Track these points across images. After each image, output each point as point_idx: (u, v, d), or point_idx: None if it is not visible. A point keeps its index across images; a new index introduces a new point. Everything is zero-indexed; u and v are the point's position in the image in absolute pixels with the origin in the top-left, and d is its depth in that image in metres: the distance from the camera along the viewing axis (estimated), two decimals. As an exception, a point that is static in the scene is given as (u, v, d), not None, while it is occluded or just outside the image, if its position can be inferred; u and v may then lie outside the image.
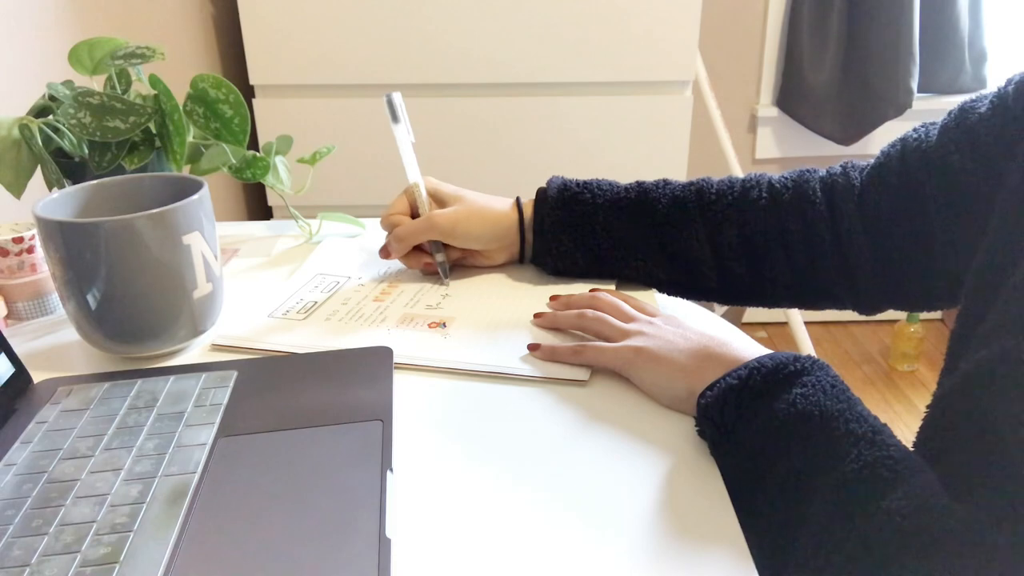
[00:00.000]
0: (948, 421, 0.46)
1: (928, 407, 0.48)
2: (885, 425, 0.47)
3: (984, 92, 0.61)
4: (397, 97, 0.74)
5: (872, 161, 0.69)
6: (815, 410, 0.48)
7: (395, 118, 0.74)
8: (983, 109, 0.60)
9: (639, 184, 0.73)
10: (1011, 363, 0.42)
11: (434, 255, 0.75)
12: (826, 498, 0.45)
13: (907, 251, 0.65)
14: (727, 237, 0.70)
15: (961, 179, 0.60)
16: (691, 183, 0.72)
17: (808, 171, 0.71)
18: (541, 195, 0.75)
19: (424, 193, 0.76)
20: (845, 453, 0.45)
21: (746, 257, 0.70)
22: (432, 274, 0.77)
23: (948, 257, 0.63)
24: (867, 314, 0.72)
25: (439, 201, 0.76)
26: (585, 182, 0.74)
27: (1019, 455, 0.40)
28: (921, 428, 0.48)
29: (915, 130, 0.66)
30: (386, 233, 0.77)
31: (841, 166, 0.71)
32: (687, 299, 0.75)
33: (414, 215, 0.77)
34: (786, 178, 0.71)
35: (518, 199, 0.76)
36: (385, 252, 0.76)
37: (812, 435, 0.47)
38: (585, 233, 0.72)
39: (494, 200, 0.76)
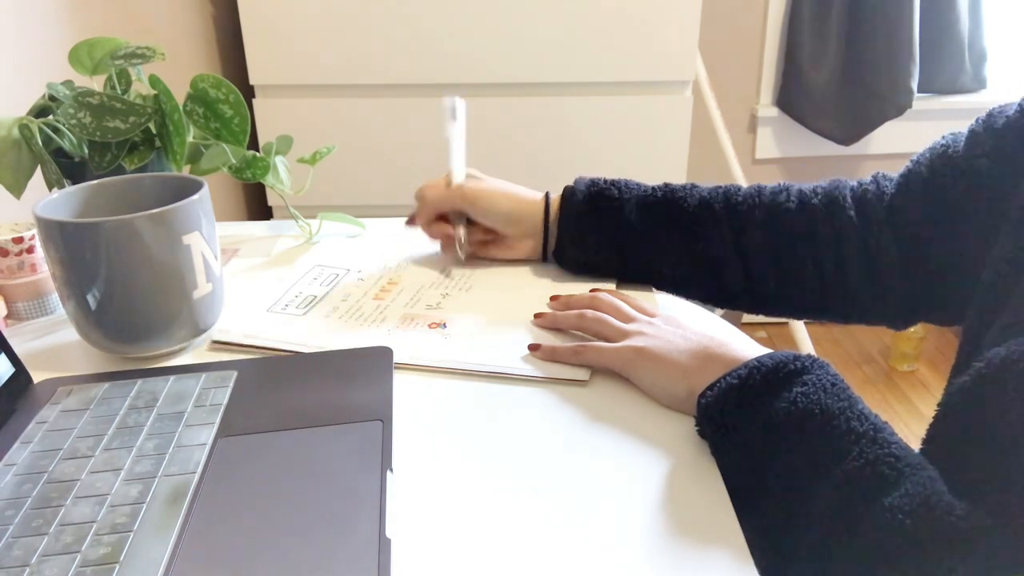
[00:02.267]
0: (958, 418, 0.46)
1: (939, 404, 0.48)
2: (886, 423, 0.47)
3: (1015, 100, 0.61)
4: (461, 102, 0.76)
5: (902, 170, 0.69)
6: (816, 408, 0.48)
7: (454, 117, 0.76)
8: (1011, 112, 0.60)
9: (666, 184, 0.73)
10: (1023, 361, 0.42)
11: (455, 226, 0.77)
12: (828, 496, 0.45)
13: (936, 260, 0.65)
14: (753, 238, 0.69)
15: (987, 184, 0.60)
16: (719, 187, 0.72)
17: (840, 181, 0.71)
18: (568, 190, 0.75)
19: (462, 179, 0.77)
20: (846, 451, 0.45)
21: (772, 259, 0.69)
22: (450, 248, 0.78)
23: (977, 266, 0.61)
24: (898, 328, 0.71)
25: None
26: (613, 180, 0.74)
27: None
28: (931, 425, 0.48)
29: (943, 137, 0.66)
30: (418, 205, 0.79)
31: (872, 176, 0.70)
32: (713, 304, 0.74)
33: None
34: (816, 186, 0.71)
35: (547, 193, 0.77)
36: (412, 219, 0.79)
37: (813, 433, 0.47)
38: (610, 227, 0.72)
39: (524, 189, 0.78)
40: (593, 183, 0.74)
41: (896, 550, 0.41)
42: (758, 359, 0.52)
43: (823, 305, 0.71)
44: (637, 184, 0.74)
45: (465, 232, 0.76)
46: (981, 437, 0.43)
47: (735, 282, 0.71)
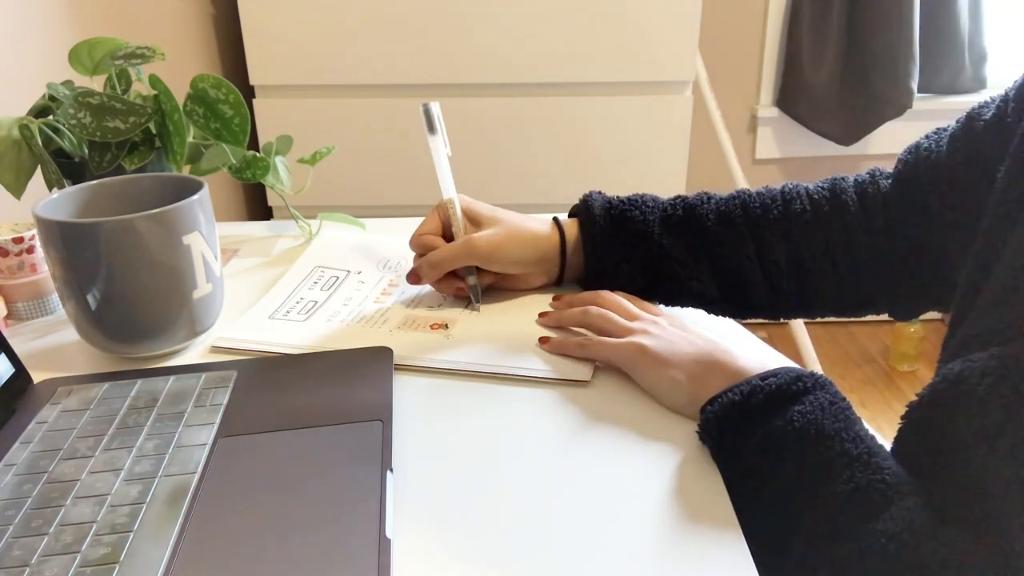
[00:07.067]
0: (918, 434, 0.46)
1: (902, 417, 0.48)
2: (882, 446, 0.47)
3: (992, 96, 0.60)
4: (436, 107, 0.70)
5: (893, 170, 0.68)
6: (811, 428, 0.48)
7: (432, 129, 0.70)
8: (988, 115, 0.59)
9: (683, 199, 0.71)
10: (975, 377, 0.42)
11: (466, 279, 0.70)
12: (816, 517, 0.45)
13: (931, 258, 0.65)
14: (776, 255, 0.68)
15: (968, 192, 0.59)
16: (733, 196, 0.70)
17: (841, 179, 0.70)
18: (585, 214, 0.71)
19: (459, 213, 0.71)
20: (838, 473, 0.45)
21: (795, 275, 0.69)
22: (463, 298, 0.71)
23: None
24: (905, 319, 0.71)
25: (473, 221, 0.71)
26: (629, 199, 0.71)
27: (986, 473, 0.40)
28: (895, 439, 0.48)
29: (927, 137, 0.65)
30: (414, 255, 0.72)
31: (869, 172, 0.70)
32: (737, 318, 0.73)
33: (444, 234, 0.72)
34: (822, 188, 0.70)
35: (556, 218, 0.73)
36: (415, 277, 0.70)
37: (806, 453, 0.47)
38: (640, 252, 0.69)
39: (531, 220, 0.72)
40: (610, 204, 0.71)
41: (879, 574, 0.41)
42: (762, 377, 0.52)
43: (838, 305, 0.71)
44: (653, 199, 0.71)
45: (476, 281, 0.70)
46: (940, 455, 0.43)
47: (759, 296, 0.70)
